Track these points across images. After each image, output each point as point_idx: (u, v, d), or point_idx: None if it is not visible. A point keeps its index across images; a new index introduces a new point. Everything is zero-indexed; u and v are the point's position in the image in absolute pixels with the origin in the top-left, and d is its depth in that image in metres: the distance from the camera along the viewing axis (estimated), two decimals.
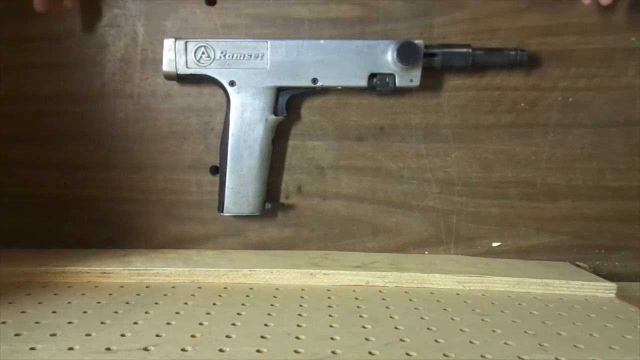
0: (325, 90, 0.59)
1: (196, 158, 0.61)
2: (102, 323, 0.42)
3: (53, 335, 0.39)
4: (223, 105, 0.58)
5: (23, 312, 0.44)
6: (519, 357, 0.38)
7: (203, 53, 0.56)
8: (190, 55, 0.56)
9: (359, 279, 0.54)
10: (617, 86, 0.59)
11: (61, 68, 0.59)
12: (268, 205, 0.60)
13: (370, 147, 0.61)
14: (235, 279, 0.54)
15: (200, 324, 0.42)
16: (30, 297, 0.48)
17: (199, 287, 0.52)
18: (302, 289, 0.52)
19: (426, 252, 0.63)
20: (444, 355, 0.38)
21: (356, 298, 0.50)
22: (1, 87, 0.59)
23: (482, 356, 0.38)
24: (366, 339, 0.40)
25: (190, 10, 0.58)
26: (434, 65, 0.56)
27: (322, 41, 0.56)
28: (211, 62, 0.56)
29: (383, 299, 0.50)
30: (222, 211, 0.59)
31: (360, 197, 0.62)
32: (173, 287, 0.52)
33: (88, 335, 0.39)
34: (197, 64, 0.56)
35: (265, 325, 0.43)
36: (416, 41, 0.55)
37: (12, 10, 0.57)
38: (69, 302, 0.46)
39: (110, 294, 0.49)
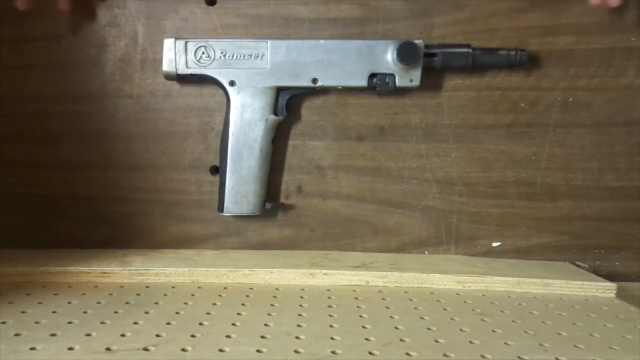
0: (325, 90, 0.59)
1: (196, 158, 0.61)
2: (102, 323, 0.42)
3: (53, 335, 0.39)
4: (223, 105, 0.58)
5: (23, 312, 0.44)
6: (519, 357, 0.38)
7: (203, 53, 0.56)
8: (190, 55, 0.56)
9: (359, 279, 0.54)
10: (617, 86, 0.59)
11: (61, 68, 0.59)
12: (268, 205, 0.60)
13: (370, 147, 0.61)
14: (235, 279, 0.54)
15: (200, 324, 0.42)
16: (30, 297, 0.48)
17: (199, 287, 0.52)
18: (302, 289, 0.52)
19: (426, 252, 0.63)
20: (444, 355, 0.38)
21: (356, 298, 0.50)
22: (1, 87, 0.59)
23: (482, 356, 0.38)
24: (366, 339, 0.40)
25: (190, 10, 0.58)
26: (434, 65, 0.56)
27: (322, 41, 0.56)
28: (211, 62, 0.56)
29: (383, 299, 0.50)
30: (222, 211, 0.59)
31: (360, 197, 0.62)
32: (173, 287, 0.52)
33: (88, 335, 0.39)
34: (197, 64, 0.56)
35: (265, 325, 0.43)
36: (416, 41, 0.55)
37: (12, 10, 0.57)
38: (69, 302, 0.46)
39: (110, 294, 0.49)
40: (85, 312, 0.44)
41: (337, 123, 0.61)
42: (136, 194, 0.61)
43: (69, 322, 0.42)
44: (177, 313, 0.45)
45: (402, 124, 0.60)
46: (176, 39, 0.56)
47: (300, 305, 0.47)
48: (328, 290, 0.52)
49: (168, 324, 0.42)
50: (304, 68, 0.56)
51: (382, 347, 0.39)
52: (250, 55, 0.56)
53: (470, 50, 0.56)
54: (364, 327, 0.43)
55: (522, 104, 0.60)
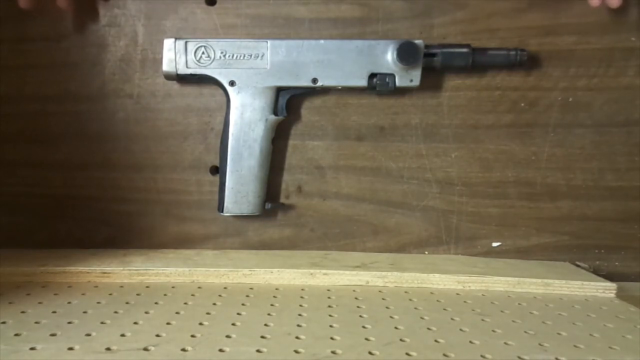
0: (325, 90, 0.59)
1: (196, 158, 0.61)
2: (102, 323, 0.42)
3: (53, 335, 0.39)
4: (223, 105, 0.58)
5: (23, 312, 0.44)
6: (519, 357, 0.38)
7: (203, 53, 0.56)
8: (190, 55, 0.56)
9: (359, 279, 0.54)
10: (617, 86, 0.59)
11: (61, 68, 0.59)
12: (268, 205, 0.60)
13: (370, 147, 0.61)
14: (235, 279, 0.54)
15: (200, 324, 0.42)
16: (30, 297, 0.48)
17: (199, 287, 0.52)
18: (302, 289, 0.52)
19: (426, 252, 0.63)
20: (444, 355, 0.38)
21: (356, 298, 0.50)
22: (1, 87, 0.59)
23: (482, 356, 0.38)
24: (366, 339, 0.40)
25: (190, 10, 0.58)
26: (434, 65, 0.56)
27: (322, 41, 0.56)
28: (211, 62, 0.56)
29: (383, 299, 0.50)
30: (222, 211, 0.59)
31: (360, 197, 0.62)
32: (173, 287, 0.52)
33: (88, 335, 0.39)
34: (197, 64, 0.56)
35: (265, 325, 0.43)
36: (416, 41, 0.55)
37: (12, 10, 0.57)
38: (69, 302, 0.46)
39: (110, 294, 0.49)
40: (85, 312, 0.44)
41: (337, 123, 0.61)
42: (136, 194, 0.61)
43: (69, 322, 0.42)
44: (177, 313, 0.45)
45: (402, 124, 0.60)
46: (176, 39, 0.56)
47: (300, 305, 0.47)
48: (328, 290, 0.52)
49: (168, 324, 0.42)
50: (304, 68, 0.56)
51: (382, 347, 0.39)
52: (250, 55, 0.56)
53: (470, 50, 0.56)
54: (364, 327, 0.43)
55: (522, 104, 0.60)
